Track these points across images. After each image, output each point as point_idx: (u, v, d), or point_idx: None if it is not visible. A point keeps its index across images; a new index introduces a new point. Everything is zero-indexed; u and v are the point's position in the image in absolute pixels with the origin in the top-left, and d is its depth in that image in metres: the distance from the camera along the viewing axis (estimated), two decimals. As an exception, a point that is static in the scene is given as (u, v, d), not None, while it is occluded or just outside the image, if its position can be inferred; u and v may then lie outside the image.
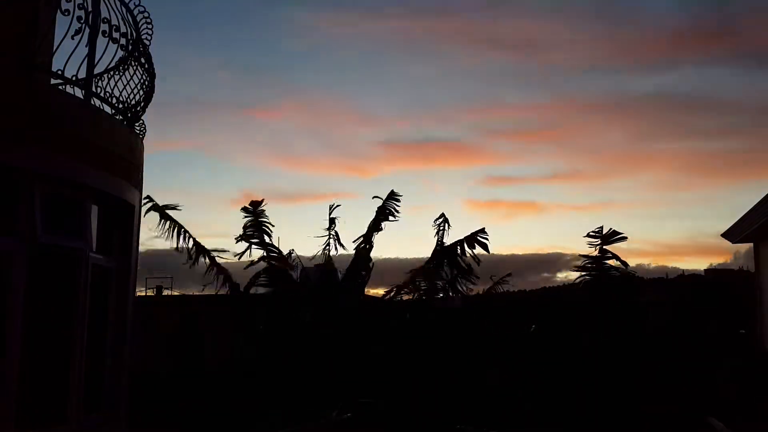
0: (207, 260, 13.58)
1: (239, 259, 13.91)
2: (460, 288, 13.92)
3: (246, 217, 14.05)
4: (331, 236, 14.55)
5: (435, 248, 14.27)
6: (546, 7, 47.48)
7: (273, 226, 14.12)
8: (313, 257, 14.69)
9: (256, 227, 13.95)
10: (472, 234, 13.95)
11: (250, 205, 14.19)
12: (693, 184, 74.85)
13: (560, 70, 53.35)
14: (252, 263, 13.76)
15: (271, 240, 14.04)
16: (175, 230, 13.24)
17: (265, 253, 13.88)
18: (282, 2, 50.97)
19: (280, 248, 14.34)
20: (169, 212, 13.34)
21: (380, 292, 15.02)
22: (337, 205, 14.75)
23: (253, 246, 13.88)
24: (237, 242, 13.93)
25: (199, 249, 13.51)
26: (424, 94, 60.76)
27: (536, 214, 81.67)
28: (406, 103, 61.34)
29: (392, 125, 63.23)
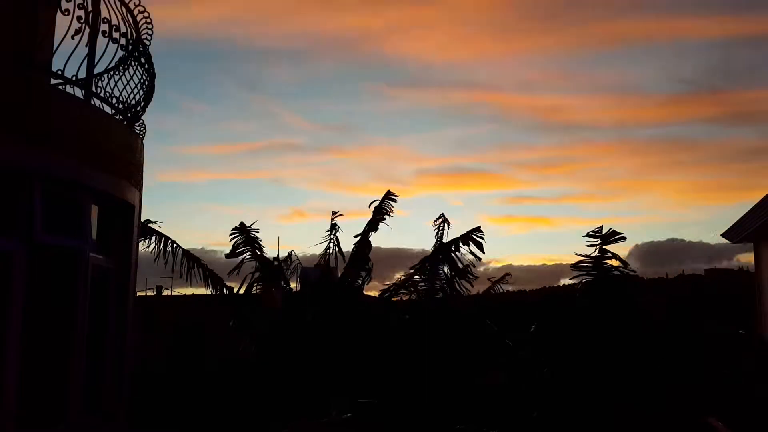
0: (200, 269, 13.59)
1: (229, 275, 14.02)
2: (458, 287, 13.93)
3: (236, 237, 14.14)
4: (332, 240, 14.64)
5: (433, 247, 14.31)
6: (571, 85, 62.21)
7: (263, 246, 14.28)
8: (316, 260, 14.75)
9: (247, 244, 14.04)
10: (467, 232, 13.98)
11: (239, 225, 14.30)
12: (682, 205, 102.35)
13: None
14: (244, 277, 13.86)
15: (263, 254, 14.14)
16: (162, 243, 13.23)
17: (257, 263, 13.96)
18: (361, 77, 66.77)
19: (280, 250, 14.41)
20: (153, 226, 13.33)
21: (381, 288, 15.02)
22: (339, 214, 14.86)
23: (246, 259, 13.97)
24: (227, 258, 14.01)
25: (190, 258, 13.53)
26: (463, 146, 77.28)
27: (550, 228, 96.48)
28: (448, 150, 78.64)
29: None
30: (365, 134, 78.46)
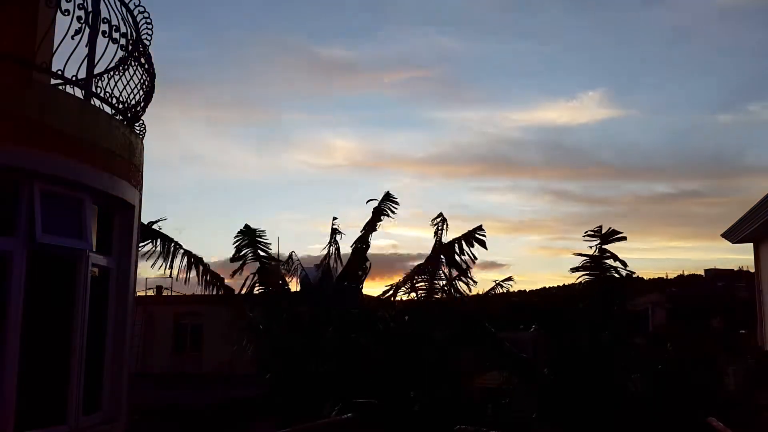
0: (200, 270, 13.57)
1: (232, 277, 14.01)
2: (458, 288, 13.93)
3: (240, 240, 14.12)
4: (332, 244, 14.70)
5: (433, 247, 14.30)
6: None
7: (270, 244, 14.24)
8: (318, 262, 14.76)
9: (251, 246, 14.03)
10: (469, 232, 13.97)
11: (244, 228, 14.28)
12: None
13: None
14: (245, 280, 13.84)
15: (268, 254, 14.11)
16: (165, 246, 13.19)
17: (259, 264, 13.95)
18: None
19: (281, 251, 14.41)
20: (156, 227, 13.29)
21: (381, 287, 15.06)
22: (335, 218, 14.92)
23: (248, 260, 13.94)
24: (231, 261, 13.99)
25: (191, 259, 13.51)
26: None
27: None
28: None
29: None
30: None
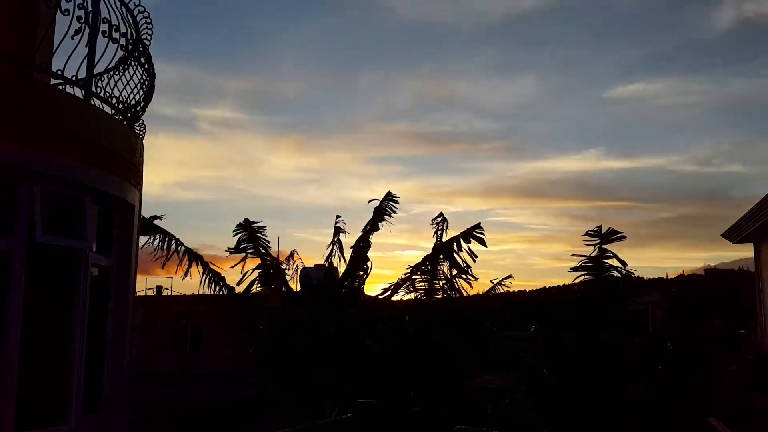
0: (200, 268, 13.57)
1: (232, 267, 13.99)
2: (458, 287, 13.93)
3: (240, 233, 14.12)
4: (335, 243, 14.69)
5: (433, 247, 14.30)
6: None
7: (269, 241, 14.23)
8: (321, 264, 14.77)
9: (251, 241, 14.02)
10: (468, 229, 13.97)
11: (244, 222, 14.28)
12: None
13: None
14: (244, 275, 13.82)
15: (267, 251, 14.11)
16: (166, 241, 13.19)
17: (260, 260, 13.94)
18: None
19: (281, 250, 14.41)
20: (157, 223, 13.29)
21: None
22: (338, 216, 14.96)
23: (249, 256, 13.94)
24: (230, 254, 13.99)
25: (192, 256, 13.51)
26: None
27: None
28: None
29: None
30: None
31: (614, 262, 10.90)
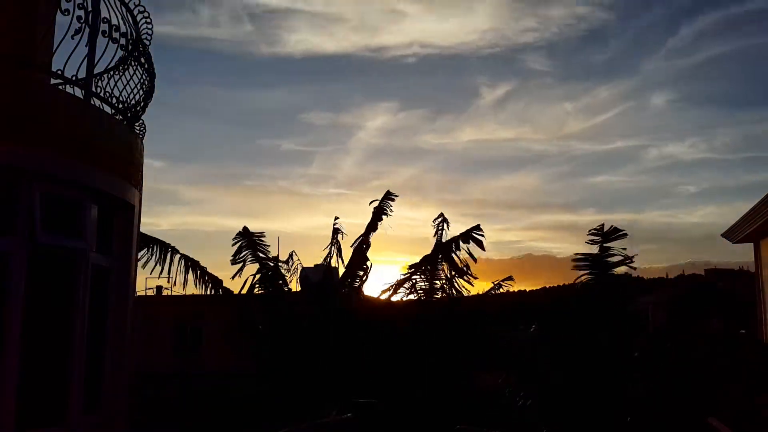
0: (197, 274, 13.57)
1: (233, 278, 14.03)
2: (458, 287, 13.93)
3: (239, 241, 14.14)
4: (333, 244, 14.69)
5: (433, 247, 14.30)
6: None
7: (269, 246, 14.25)
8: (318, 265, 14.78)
9: (250, 248, 14.04)
10: (467, 231, 13.97)
11: (243, 230, 14.29)
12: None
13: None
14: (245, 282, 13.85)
15: (266, 256, 14.11)
16: (162, 251, 13.19)
17: (259, 265, 13.96)
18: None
19: (280, 253, 14.42)
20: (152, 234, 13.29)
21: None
22: (337, 217, 14.96)
23: (248, 261, 13.96)
24: (232, 264, 14.02)
25: (189, 263, 13.51)
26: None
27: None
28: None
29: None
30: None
31: (615, 260, 10.86)
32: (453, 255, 13.84)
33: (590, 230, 11.03)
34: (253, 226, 14.43)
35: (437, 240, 14.41)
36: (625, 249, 10.79)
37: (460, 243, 13.86)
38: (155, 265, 13.07)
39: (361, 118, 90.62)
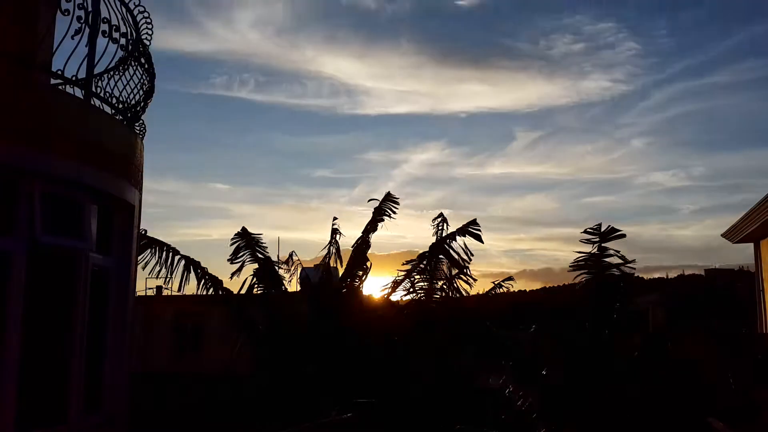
0: (197, 273, 13.56)
1: (231, 278, 14.02)
2: (457, 286, 13.90)
3: (237, 242, 14.14)
4: (332, 244, 14.68)
5: (431, 246, 14.28)
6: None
7: (266, 247, 14.26)
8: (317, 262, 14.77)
9: (248, 248, 14.04)
10: (463, 225, 13.94)
11: (242, 230, 14.29)
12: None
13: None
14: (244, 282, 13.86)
15: (265, 256, 14.11)
16: (160, 252, 13.17)
17: (258, 265, 13.95)
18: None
19: (280, 252, 14.42)
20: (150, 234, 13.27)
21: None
22: (335, 218, 14.96)
23: (247, 261, 13.96)
24: (230, 263, 14.00)
25: (188, 263, 13.50)
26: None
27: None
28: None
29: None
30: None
31: (614, 260, 10.84)
32: (449, 249, 13.79)
33: (586, 229, 10.93)
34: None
35: (436, 239, 14.39)
36: (619, 251, 10.78)
37: (457, 237, 13.84)
38: (159, 269, 13.04)
39: (412, 154, 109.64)
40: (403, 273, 14.18)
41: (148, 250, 12.93)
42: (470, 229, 13.84)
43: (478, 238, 13.78)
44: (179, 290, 13.80)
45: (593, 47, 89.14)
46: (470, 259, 13.78)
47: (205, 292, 13.74)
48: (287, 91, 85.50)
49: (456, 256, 13.75)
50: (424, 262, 14.05)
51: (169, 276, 13.17)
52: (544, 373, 11.53)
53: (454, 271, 13.93)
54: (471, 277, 13.91)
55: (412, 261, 14.17)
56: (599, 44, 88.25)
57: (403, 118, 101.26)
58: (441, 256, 14.00)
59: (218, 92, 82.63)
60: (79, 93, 5.72)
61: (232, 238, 14.24)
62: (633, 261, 10.87)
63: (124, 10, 5.98)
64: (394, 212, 14.68)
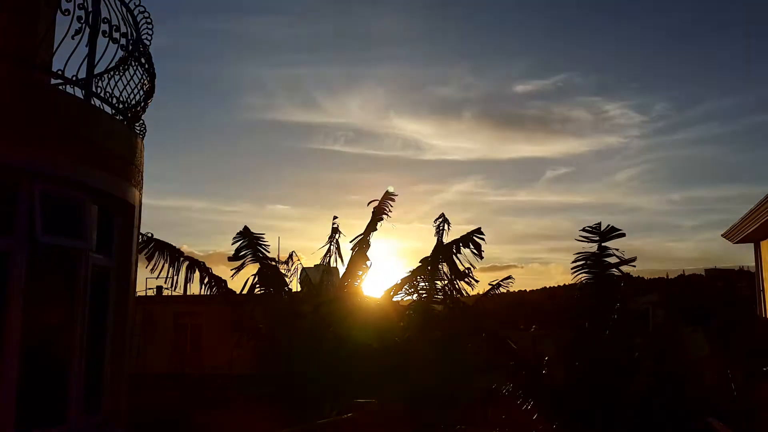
0: (200, 273, 13.55)
1: (232, 278, 13.99)
2: (459, 288, 13.90)
3: (239, 241, 14.13)
4: (332, 244, 14.66)
5: (434, 248, 14.27)
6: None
7: (268, 244, 14.25)
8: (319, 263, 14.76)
9: (250, 247, 14.03)
10: (468, 233, 13.94)
11: (243, 230, 14.28)
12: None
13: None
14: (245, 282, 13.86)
15: (266, 256, 14.10)
16: (163, 253, 13.16)
17: (260, 266, 13.95)
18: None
19: (280, 252, 14.40)
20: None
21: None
22: (335, 217, 14.93)
23: (248, 261, 13.95)
24: (230, 261, 13.97)
25: (192, 263, 13.50)
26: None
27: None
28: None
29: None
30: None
31: (614, 260, 10.81)
32: (454, 258, 13.80)
33: (585, 228, 10.86)
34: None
35: (438, 240, 14.39)
36: (618, 249, 10.75)
37: (461, 246, 13.83)
38: (163, 270, 13.04)
39: (451, 186, 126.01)
40: (405, 274, 14.20)
41: (156, 253, 12.94)
42: (474, 237, 13.83)
43: (479, 248, 13.77)
44: (185, 291, 13.77)
45: (609, 117, 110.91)
46: (476, 265, 13.79)
47: (208, 293, 13.73)
48: (371, 144, 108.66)
49: (459, 264, 13.77)
50: (429, 267, 14.05)
51: (168, 273, 13.16)
52: (544, 373, 11.53)
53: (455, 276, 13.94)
54: (473, 278, 13.91)
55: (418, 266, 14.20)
56: (612, 116, 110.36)
57: (453, 162, 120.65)
58: (441, 258, 14.01)
59: (316, 146, 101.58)
60: (79, 93, 5.72)
61: (234, 237, 14.23)
62: (633, 259, 10.84)
63: (124, 10, 5.98)
64: (391, 209, 14.67)
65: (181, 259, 13.33)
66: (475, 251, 13.76)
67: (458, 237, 13.99)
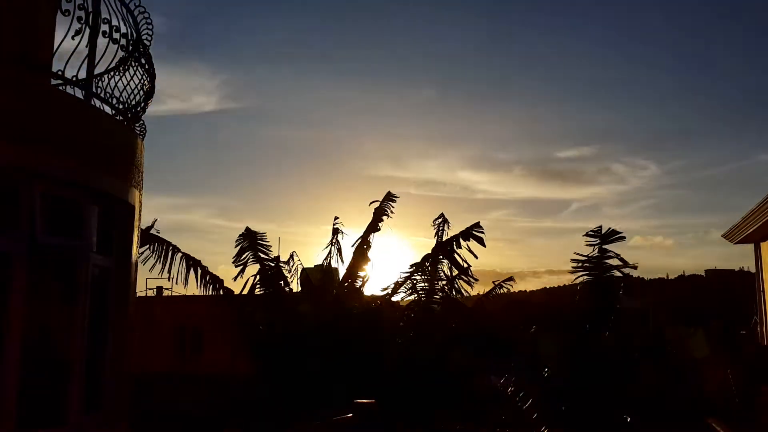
0: (199, 272, 13.56)
1: (234, 280, 14.02)
2: (459, 287, 13.90)
3: (241, 242, 14.15)
4: (333, 245, 14.67)
5: (434, 247, 14.27)
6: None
7: (270, 244, 14.26)
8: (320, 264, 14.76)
9: (252, 248, 14.05)
10: (467, 228, 13.93)
11: (246, 231, 14.30)
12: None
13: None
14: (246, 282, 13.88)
15: (268, 256, 14.12)
16: (164, 250, 13.17)
17: (260, 266, 13.96)
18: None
19: (281, 253, 14.40)
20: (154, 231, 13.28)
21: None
22: (336, 217, 14.94)
23: (249, 261, 13.96)
24: (235, 265, 14.00)
25: (191, 262, 13.50)
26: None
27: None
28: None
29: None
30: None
31: (615, 262, 10.85)
32: (454, 253, 13.79)
33: (588, 231, 10.96)
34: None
35: (437, 240, 14.38)
36: (619, 254, 10.79)
37: (461, 240, 13.83)
38: (155, 263, 13.06)
39: (489, 213, 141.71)
40: (405, 274, 14.19)
41: (146, 246, 12.95)
42: (474, 232, 13.83)
43: (481, 241, 13.77)
44: (185, 286, 13.78)
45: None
46: (476, 258, 13.78)
47: (205, 292, 13.74)
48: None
49: (459, 259, 13.76)
50: (427, 263, 14.05)
51: (164, 270, 13.19)
52: (544, 373, 11.54)
53: (455, 272, 13.93)
54: (472, 277, 13.91)
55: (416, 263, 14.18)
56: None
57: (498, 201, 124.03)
58: (441, 257, 14.00)
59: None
60: (79, 93, 5.72)
61: (237, 239, 14.24)
62: (635, 265, 10.89)
63: (124, 10, 5.98)
64: (393, 211, 14.68)
65: (179, 255, 13.34)
66: (477, 242, 13.74)
67: (458, 232, 13.98)
